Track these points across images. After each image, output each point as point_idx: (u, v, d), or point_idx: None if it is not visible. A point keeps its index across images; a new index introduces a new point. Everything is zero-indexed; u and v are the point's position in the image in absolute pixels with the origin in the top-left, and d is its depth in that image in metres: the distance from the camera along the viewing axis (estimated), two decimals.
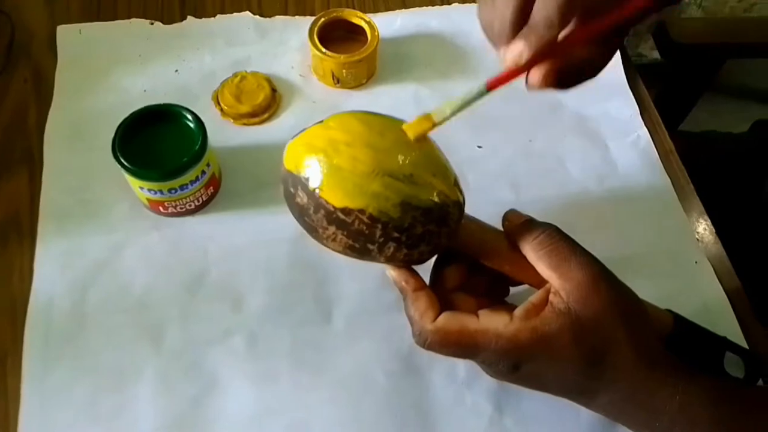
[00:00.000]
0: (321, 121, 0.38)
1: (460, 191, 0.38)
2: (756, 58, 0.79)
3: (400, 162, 0.36)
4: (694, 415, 0.35)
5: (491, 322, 0.36)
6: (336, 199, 0.35)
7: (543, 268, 0.37)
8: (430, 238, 0.37)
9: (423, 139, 0.37)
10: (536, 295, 0.37)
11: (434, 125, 0.36)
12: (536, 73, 0.33)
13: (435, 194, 0.36)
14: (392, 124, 0.37)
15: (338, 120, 0.38)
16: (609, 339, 0.35)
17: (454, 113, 0.36)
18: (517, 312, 0.36)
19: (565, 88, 0.34)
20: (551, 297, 0.36)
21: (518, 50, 0.32)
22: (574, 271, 0.36)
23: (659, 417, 0.35)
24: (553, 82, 0.33)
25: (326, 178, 0.36)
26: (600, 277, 0.36)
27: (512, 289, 0.43)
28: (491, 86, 0.35)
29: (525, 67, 0.33)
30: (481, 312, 0.37)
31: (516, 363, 0.36)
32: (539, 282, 0.38)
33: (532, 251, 0.38)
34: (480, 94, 0.35)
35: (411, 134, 0.37)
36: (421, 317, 0.38)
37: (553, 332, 0.35)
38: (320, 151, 0.36)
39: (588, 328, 0.35)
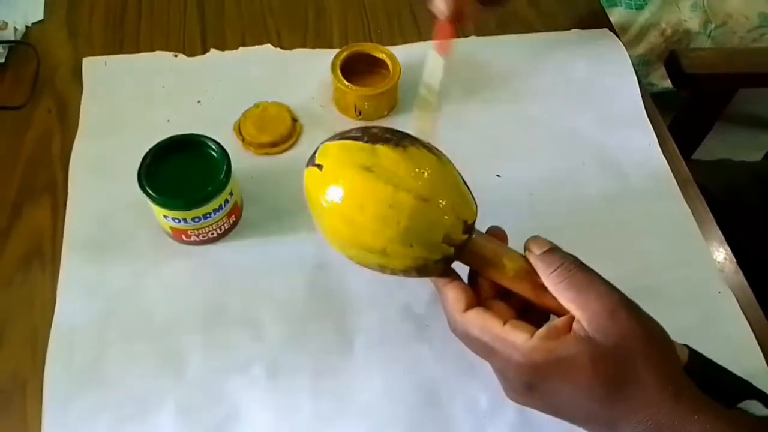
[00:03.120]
0: (316, 165, 0.41)
1: (454, 243, 0.39)
2: None
3: (372, 240, 0.39)
4: None
5: (512, 333, 0.37)
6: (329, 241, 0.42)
7: (563, 300, 0.38)
8: (418, 275, 0.41)
9: (431, 135, 0.39)
10: (560, 320, 0.37)
11: (432, 116, 0.38)
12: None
13: (410, 261, 0.39)
14: (380, 187, 0.38)
15: (332, 173, 0.40)
16: (630, 368, 0.35)
17: (432, 92, 0.37)
18: (539, 332, 0.36)
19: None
20: (574, 325, 0.36)
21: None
22: (592, 301, 0.36)
23: None
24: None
25: (319, 226, 0.42)
26: (619, 306, 0.36)
27: None
28: (442, 50, 0.36)
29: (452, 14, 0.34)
30: (509, 322, 0.38)
31: (529, 381, 0.36)
32: (564, 310, 0.38)
33: (551, 283, 0.38)
34: (437, 61, 0.36)
35: (423, 136, 0.39)
36: (451, 308, 0.40)
37: (569, 356, 0.35)
38: (314, 204, 0.41)
39: (607, 356, 0.35)
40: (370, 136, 0.40)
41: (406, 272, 0.41)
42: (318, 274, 0.51)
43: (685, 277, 0.53)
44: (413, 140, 0.41)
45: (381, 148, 0.39)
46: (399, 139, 0.40)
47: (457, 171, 0.42)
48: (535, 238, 0.41)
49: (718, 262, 0.54)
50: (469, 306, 0.39)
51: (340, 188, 0.39)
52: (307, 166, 0.42)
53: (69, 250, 0.52)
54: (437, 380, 0.47)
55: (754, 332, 0.50)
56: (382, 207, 0.38)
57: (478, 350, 0.39)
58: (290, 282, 0.51)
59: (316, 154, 0.42)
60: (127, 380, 0.46)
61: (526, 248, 0.41)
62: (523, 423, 0.45)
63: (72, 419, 0.45)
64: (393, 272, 0.41)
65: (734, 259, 0.54)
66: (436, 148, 0.42)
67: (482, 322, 0.38)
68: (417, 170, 0.39)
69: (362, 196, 0.39)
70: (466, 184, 0.42)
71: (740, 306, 0.51)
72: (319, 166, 0.41)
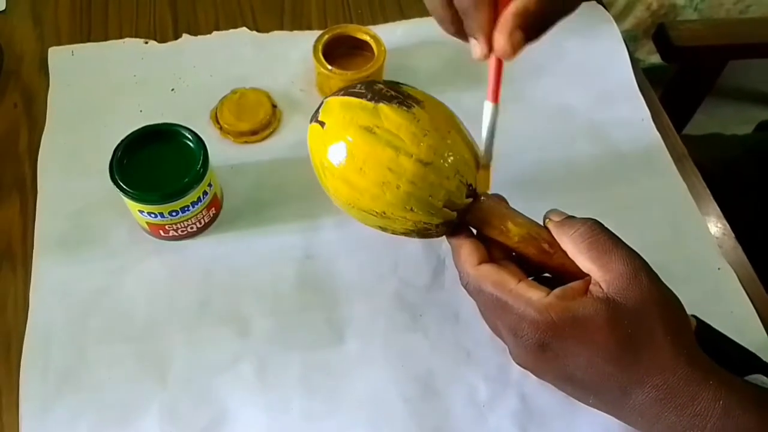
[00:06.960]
0: (318, 122, 0.40)
1: (457, 207, 0.39)
2: (759, 58, 0.78)
3: (372, 203, 0.39)
4: (739, 420, 0.33)
5: (527, 290, 0.36)
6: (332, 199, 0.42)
7: (583, 261, 0.37)
8: (420, 237, 0.41)
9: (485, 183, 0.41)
10: (576, 282, 0.36)
11: (487, 168, 0.40)
12: (502, 42, 0.34)
13: (411, 224, 0.39)
14: (380, 150, 0.38)
15: (333, 133, 0.39)
16: (647, 331, 0.34)
17: (490, 146, 0.39)
18: (555, 291, 0.36)
19: (536, 39, 0.35)
20: (591, 287, 0.36)
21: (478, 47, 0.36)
22: (615, 263, 0.36)
23: (702, 423, 0.34)
24: (522, 42, 0.34)
25: (322, 185, 0.42)
26: (641, 270, 0.36)
27: None
28: (494, 98, 0.38)
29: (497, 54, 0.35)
30: (523, 280, 0.37)
31: (543, 340, 0.35)
32: (571, 276, 0.37)
33: (571, 244, 0.37)
34: (495, 113, 0.38)
35: (481, 191, 0.40)
36: (464, 262, 0.39)
37: (586, 316, 0.34)
38: (316, 162, 0.41)
39: (625, 317, 0.34)
40: (374, 93, 0.39)
41: (408, 234, 0.40)
42: (305, 265, 0.49)
43: (684, 254, 0.51)
44: (421, 97, 0.40)
45: (384, 108, 0.38)
46: (405, 98, 0.39)
47: (467, 133, 0.41)
48: (554, 210, 0.40)
49: (717, 238, 0.53)
50: (483, 261, 0.38)
51: (340, 149, 0.38)
52: (311, 121, 0.41)
53: (41, 249, 0.49)
54: (433, 371, 0.45)
55: (755, 307, 0.49)
56: (382, 170, 0.37)
57: (490, 306, 0.38)
58: (276, 274, 0.49)
59: (320, 110, 0.41)
60: (108, 384, 0.44)
61: (546, 218, 0.40)
62: (525, 411, 0.44)
63: (51, 427, 0.42)
64: (394, 233, 0.41)
65: (732, 235, 0.53)
66: (447, 108, 0.41)
67: (497, 277, 0.37)
68: (420, 133, 0.37)
69: (362, 158, 0.38)
70: (475, 146, 0.40)
71: (740, 281, 0.50)
72: (322, 123, 0.40)
